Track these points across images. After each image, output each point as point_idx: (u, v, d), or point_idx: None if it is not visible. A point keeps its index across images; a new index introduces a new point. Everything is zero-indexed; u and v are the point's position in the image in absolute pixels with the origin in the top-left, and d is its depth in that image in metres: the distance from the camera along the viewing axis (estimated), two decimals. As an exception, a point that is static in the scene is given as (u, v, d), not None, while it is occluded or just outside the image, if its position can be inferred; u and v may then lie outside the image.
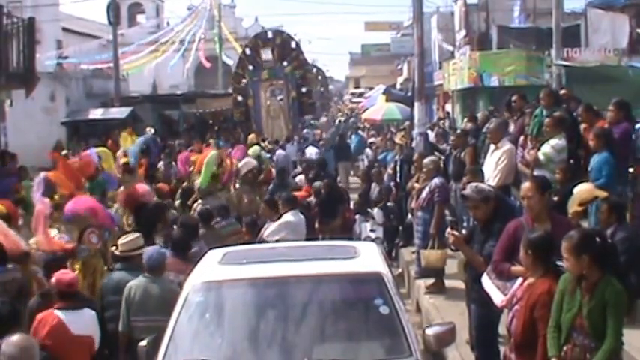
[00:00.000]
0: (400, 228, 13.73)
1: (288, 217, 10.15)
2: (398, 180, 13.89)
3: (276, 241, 9.32)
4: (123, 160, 14.67)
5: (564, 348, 5.03)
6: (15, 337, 4.67)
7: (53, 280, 6.45)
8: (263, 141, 23.68)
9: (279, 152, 21.35)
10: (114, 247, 7.97)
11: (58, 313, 6.23)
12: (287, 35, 30.72)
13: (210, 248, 8.06)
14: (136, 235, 8.02)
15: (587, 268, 4.93)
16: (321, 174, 15.30)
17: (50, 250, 7.96)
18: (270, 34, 30.71)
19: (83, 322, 6.30)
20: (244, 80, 29.52)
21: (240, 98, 29.37)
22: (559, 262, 5.36)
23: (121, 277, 7.47)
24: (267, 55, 29.11)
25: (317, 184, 13.27)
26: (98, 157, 13.54)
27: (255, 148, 18.09)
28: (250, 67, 29.50)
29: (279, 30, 32.89)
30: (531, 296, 5.37)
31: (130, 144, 16.86)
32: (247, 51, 30.11)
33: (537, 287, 5.36)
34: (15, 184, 12.59)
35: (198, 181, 13.28)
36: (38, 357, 4.69)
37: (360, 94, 59.45)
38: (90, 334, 6.32)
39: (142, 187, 11.23)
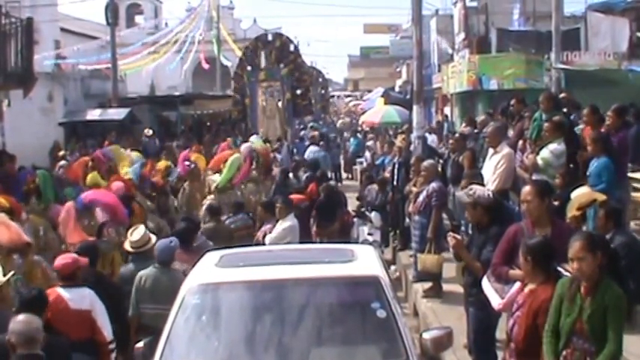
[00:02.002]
0: (397, 231, 13.70)
1: (289, 221, 10.12)
2: (395, 183, 13.83)
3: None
4: (127, 177, 14.77)
5: (564, 353, 5.00)
6: (21, 316, 5.26)
7: (56, 263, 7.09)
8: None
9: (283, 151, 21.54)
10: (126, 244, 8.45)
11: (59, 290, 6.79)
12: (286, 38, 31.26)
13: (218, 242, 9.13)
14: (143, 230, 8.43)
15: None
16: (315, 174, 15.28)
17: (76, 241, 8.56)
18: (270, 37, 31.37)
19: (80, 298, 6.73)
20: (243, 80, 30.31)
21: (238, 97, 30.32)
22: (559, 268, 5.34)
23: (134, 269, 8.01)
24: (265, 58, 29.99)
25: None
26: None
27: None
28: (249, 68, 30.17)
29: (279, 33, 33.25)
30: (534, 303, 5.33)
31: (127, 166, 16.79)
32: (247, 52, 30.90)
33: (540, 294, 5.32)
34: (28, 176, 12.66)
35: (211, 178, 13.91)
36: (41, 332, 5.16)
37: (358, 97, 59.62)
38: (88, 309, 6.71)
39: (116, 184, 11.44)
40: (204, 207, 12.11)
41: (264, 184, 14.39)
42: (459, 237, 7.16)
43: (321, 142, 24.29)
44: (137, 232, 8.37)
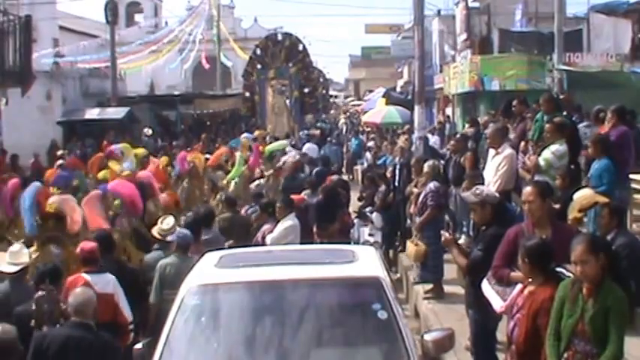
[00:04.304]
0: (398, 232, 13.63)
1: (290, 221, 10.06)
2: (396, 184, 13.76)
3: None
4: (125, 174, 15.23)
5: (565, 355, 4.96)
6: (77, 289, 5.97)
7: (78, 249, 7.58)
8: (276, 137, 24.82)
9: (289, 151, 21.92)
10: (155, 230, 8.88)
11: (85, 275, 7.19)
12: (296, 38, 32.64)
13: (234, 231, 10.33)
14: (173, 221, 8.89)
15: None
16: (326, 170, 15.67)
17: (92, 225, 9.12)
18: (280, 36, 32.98)
19: (105, 283, 7.19)
20: (253, 78, 31.85)
21: (248, 94, 31.93)
22: (559, 269, 5.30)
23: (158, 256, 8.48)
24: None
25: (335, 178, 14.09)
26: (120, 152, 14.92)
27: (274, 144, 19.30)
28: (259, 66, 31.67)
29: (288, 33, 34.33)
30: (533, 304, 5.30)
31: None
32: (257, 51, 32.33)
33: (539, 295, 5.30)
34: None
35: (215, 174, 14.97)
36: (92, 304, 5.83)
37: (360, 97, 59.78)
38: (111, 293, 7.19)
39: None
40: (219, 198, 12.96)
41: (276, 181, 14.82)
42: (447, 235, 7.19)
43: (330, 139, 24.91)
44: (166, 222, 8.78)
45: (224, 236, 10.34)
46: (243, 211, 12.15)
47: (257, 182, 14.63)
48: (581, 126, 11.30)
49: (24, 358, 5.63)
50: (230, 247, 9.70)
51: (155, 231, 8.83)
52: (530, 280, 5.46)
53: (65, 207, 8.91)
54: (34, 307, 6.26)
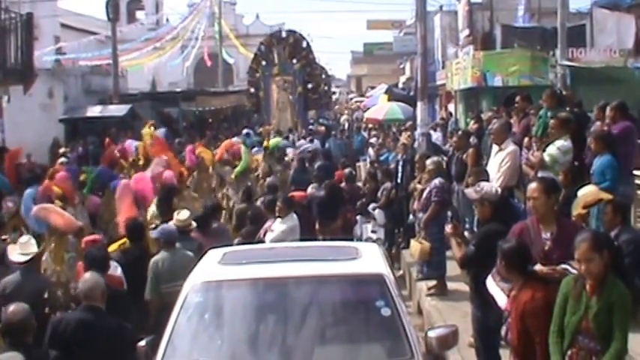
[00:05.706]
0: (400, 229, 13.61)
1: (289, 221, 10.03)
2: (399, 180, 13.73)
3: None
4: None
5: (569, 352, 4.95)
6: (87, 275, 6.36)
7: (83, 243, 8.27)
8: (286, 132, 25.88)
9: (301, 143, 22.23)
10: (172, 223, 9.29)
11: None
12: (300, 35, 33.52)
13: (249, 221, 10.69)
14: (188, 213, 9.44)
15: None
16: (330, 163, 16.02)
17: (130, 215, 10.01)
18: (284, 34, 33.87)
19: (114, 267, 7.78)
20: (257, 74, 32.71)
21: (253, 90, 32.81)
22: (565, 266, 5.29)
23: (180, 246, 8.74)
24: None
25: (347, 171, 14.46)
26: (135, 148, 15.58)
27: (276, 139, 19.96)
28: (263, 63, 32.49)
29: (292, 30, 34.96)
30: (518, 307, 5.37)
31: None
32: (262, 47, 33.25)
33: (522, 297, 5.37)
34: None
35: (223, 169, 15.33)
36: (100, 288, 6.15)
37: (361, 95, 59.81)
38: (119, 275, 7.76)
39: (167, 174, 12.29)
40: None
41: (283, 174, 15.26)
42: (448, 228, 7.18)
43: (334, 133, 25.18)
44: (183, 214, 9.34)
45: (241, 224, 11.10)
46: (259, 202, 12.19)
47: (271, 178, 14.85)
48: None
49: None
50: (247, 234, 10.20)
51: (173, 223, 9.19)
52: (513, 283, 5.51)
53: (45, 214, 9.00)
54: (46, 295, 6.92)
